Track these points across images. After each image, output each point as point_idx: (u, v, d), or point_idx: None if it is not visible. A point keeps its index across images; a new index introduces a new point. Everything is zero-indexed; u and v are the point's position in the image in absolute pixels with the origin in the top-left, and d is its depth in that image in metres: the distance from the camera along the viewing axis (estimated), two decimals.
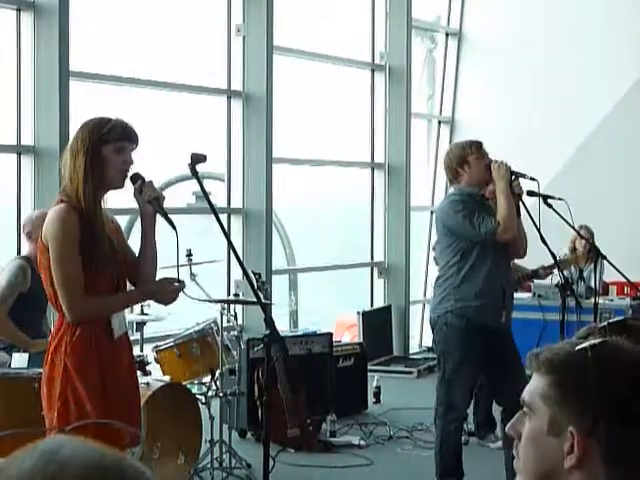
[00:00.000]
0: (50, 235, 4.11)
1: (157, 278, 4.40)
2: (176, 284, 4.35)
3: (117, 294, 4.27)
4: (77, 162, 4.13)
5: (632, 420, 1.78)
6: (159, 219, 4.35)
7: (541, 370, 1.84)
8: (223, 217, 9.47)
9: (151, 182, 4.34)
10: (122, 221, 8.45)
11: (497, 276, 6.30)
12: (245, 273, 5.12)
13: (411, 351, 11.83)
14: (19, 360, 5.89)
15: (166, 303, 4.45)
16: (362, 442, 7.83)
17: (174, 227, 4.30)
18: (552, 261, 7.42)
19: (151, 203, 4.29)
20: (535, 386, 1.86)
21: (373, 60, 12.01)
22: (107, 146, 4.16)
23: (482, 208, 6.29)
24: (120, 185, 4.25)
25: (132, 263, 4.32)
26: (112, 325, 4.22)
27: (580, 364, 1.81)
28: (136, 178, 4.30)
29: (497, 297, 6.28)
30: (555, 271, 8.51)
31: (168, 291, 4.36)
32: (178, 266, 4.41)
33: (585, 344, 1.85)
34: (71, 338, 4.11)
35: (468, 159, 6.27)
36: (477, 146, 6.33)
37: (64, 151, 4.27)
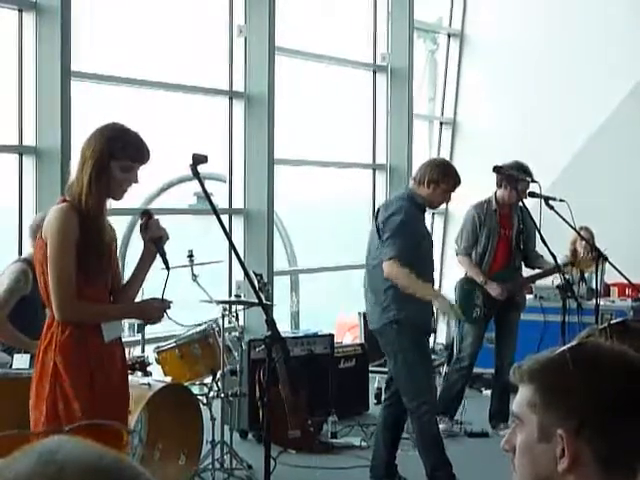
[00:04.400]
0: (49, 233, 4.13)
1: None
2: (159, 303, 4.38)
3: (107, 305, 4.28)
4: (85, 168, 4.16)
5: (618, 418, 1.79)
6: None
7: (524, 380, 1.86)
8: (224, 218, 9.46)
9: (157, 221, 4.37)
10: (122, 222, 8.47)
11: (429, 279, 6.60)
12: (246, 274, 5.13)
13: None
14: (20, 361, 5.89)
15: (152, 321, 4.46)
16: (363, 443, 7.83)
17: (168, 267, 4.33)
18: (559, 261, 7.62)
19: (153, 241, 4.31)
20: (521, 397, 1.88)
21: (375, 61, 12.01)
22: (115, 162, 4.16)
23: (420, 218, 6.60)
24: (118, 199, 4.28)
25: (116, 285, 4.34)
26: (102, 329, 4.22)
27: (560, 367, 1.83)
28: (144, 214, 4.35)
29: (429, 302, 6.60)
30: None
31: (154, 308, 4.38)
32: (164, 293, 4.41)
33: (563, 347, 1.87)
34: (61, 336, 4.13)
35: (440, 185, 6.56)
36: (455, 184, 6.66)
37: (79, 153, 4.27)
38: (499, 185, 8.10)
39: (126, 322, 7.27)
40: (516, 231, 8.20)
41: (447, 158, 12.82)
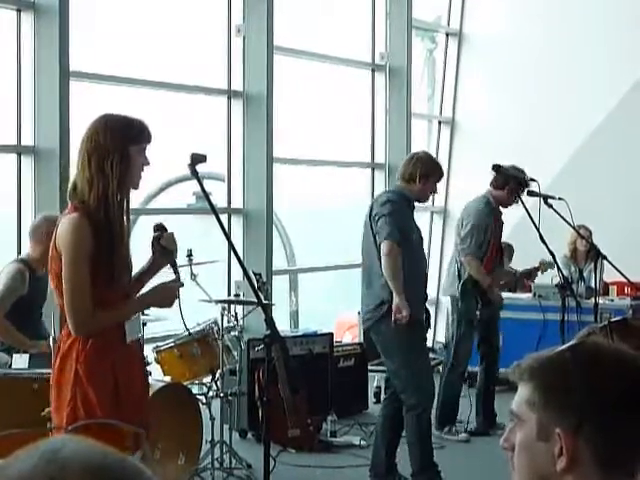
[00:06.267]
0: (63, 245, 4.02)
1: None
2: (171, 285, 4.33)
3: (121, 306, 4.18)
4: (108, 161, 4.03)
5: (617, 417, 1.79)
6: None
7: (524, 378, 1.86)
8: (223, 217, 9.46)
9: (172, 234, 4.34)
10: None
11: (421, 276, 6.70)
12: (245, 273, 5.13)
13: None
14: (19, 361, 5.89)
15: (169, 305, 4.37)
16: (362, 442, 7.83)
17: (179, 279, 4.32)
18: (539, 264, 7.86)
19: (165, 255, 4.30)
20: (520, 395, 1.88)
21: (373, 60, 12.02)
22: (134, 147, 4.10)
23: (409, 214, 6.65)
24: (137, 187, 4.22)
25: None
26: (125, 329, 4.18)
27: (560, 366, 1.83)
28: (158, 227, 4.33)
29: (423, 295, 6.74)
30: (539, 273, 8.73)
31: (168, 292, 4.30)
32: (183, 320, 4.40)
33: (563, 346, 1.87)
34: (84, 346, 4.04)
35: (430, 178, 6.70)
36: (441, 174, 6.88)
37: (82, 151, 4.11)
38: (500, 187, 8.02)
39: None
40: (500, 233, 8.24)
41: (446, 157, 12.85)
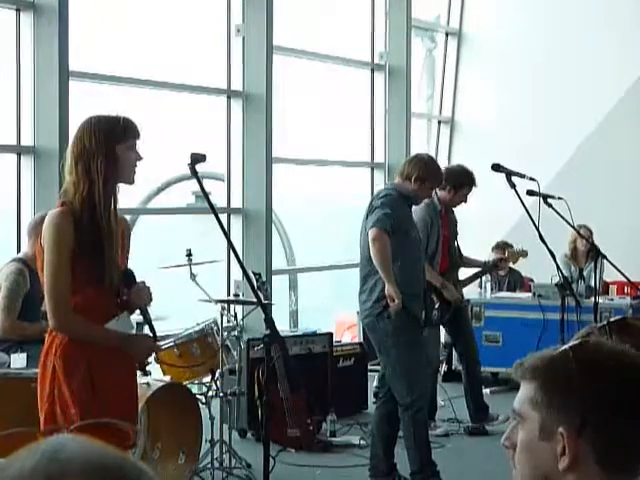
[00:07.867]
0: (45, 240, 4.08)
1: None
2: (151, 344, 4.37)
3: (100, 327, 4.17)
4: (94, 163, 4.07)
5: (619, 418, 1.79)
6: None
7: (526, 377, 1.86)
8: (223, 217, 9.45)
9: (142, 286, 4.30)
10: None
11: (418, 273, 6.66)
12: (245, 273, 5.13)
13: None
14: (18, 360, 5.90)
15: (140, 360, 4.38)
16: (362, 442, 7.82)
17: (155, 335, 4.35)
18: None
19: (140, 307, 4.31)
20: (523, 394, 1.87)
21: (373, 60, 12.02)
22: (121, 145, 4.13)
23: (406, 211, 6.66)
24: (132, 182, 4.23)
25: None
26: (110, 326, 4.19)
27: (563, 366, 1.83)
28: (126, 279, 4.26)
29: (420, 292, 6.68)
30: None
31: (145, 348, 4.35)
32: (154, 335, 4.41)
33: (565, 345, 1.87)
34: (62, 340, 4.08)
35: (426, 182, 6.67)
36: (440, 181, 6.93)
37: (70, 154, 4.17)
38: (442, 187, 8.03)
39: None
40: (451, 230, 8.24)
41: (445, 157, 12.85)
